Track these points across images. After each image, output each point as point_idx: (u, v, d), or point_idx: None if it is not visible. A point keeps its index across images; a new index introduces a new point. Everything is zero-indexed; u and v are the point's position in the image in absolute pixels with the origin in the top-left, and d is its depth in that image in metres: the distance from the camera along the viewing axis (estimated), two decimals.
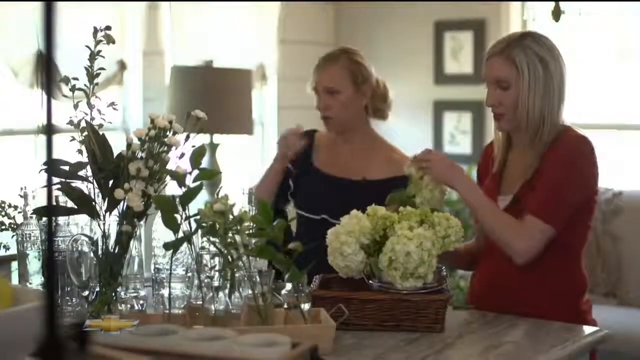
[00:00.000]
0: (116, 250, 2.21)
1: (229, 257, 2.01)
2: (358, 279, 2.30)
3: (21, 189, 2.45)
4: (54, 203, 2.16)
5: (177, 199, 2.07)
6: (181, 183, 2.11)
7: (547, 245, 2.35)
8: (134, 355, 1.57)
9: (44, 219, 2.34)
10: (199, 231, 2.07)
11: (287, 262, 2.02)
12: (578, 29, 4.98)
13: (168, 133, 2.23)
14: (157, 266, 2.30)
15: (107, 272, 2.20)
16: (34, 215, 2.39)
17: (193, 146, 2.23)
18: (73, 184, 2.22)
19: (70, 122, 2.22)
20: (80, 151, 2.24)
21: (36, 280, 2.37)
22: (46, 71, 1.24)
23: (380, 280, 2.25)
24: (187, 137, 2.26)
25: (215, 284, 2.05)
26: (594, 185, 2.44)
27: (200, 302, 2.04)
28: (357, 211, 2.31)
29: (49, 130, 1.08)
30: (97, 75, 2.27)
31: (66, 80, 2.21)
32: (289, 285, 2.06)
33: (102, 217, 2.21)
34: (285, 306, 2.07)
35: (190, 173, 2.14)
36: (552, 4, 3.97)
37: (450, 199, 5.02)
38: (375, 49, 5.62)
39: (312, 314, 2.07)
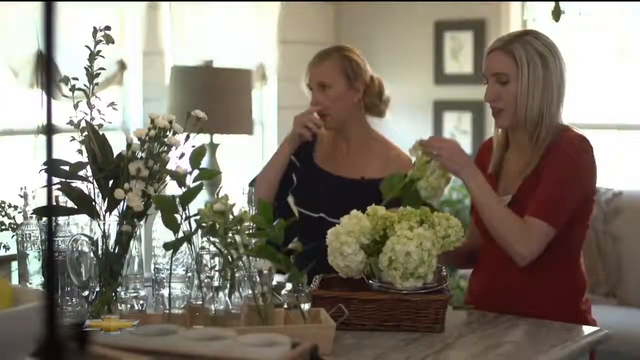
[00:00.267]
0: (116, 250, 2.21)
1: (229, 257, 2.01)
2: (358, 279, 2.30)
3: (21, 189, 2.45)
4: (54, 203, 2.15)
5: (177, 199, 2.07)
6: (181, 183, 2.11)
7: (547, 245, 2.35)
8: (134, 355, 1.57)
9: (44, 219, 2.34)
10: (199, 231, 2.07)
11: (287, 262, 2.02)
12: (578, 29, 4.98)
13: (168, 133, 2.23)
14: (157, 266, 2.30)
15: (107, 272, 2.20)
16: (34, 215, 2.39)
17: (193, 146, 2.23)
18: (73, 184, 2.22)
19: (70, 122, 2.22)
20: (80, 151, 2.24)
21: (36, 280, 2.37)
22: (46, 71, 1.24)
23: (380, 280, 2.25)
24: (187, 137, 2.26)
25: (215, 284, 2.05)
26: (593, 184, 2.44)
27: (200, 302, 2.04)
28: (357, 211, 2.31)
29: (49, 130, 1.08)
30: (97, 75, 2.27)
31: (66, 80, 2.21)
32: (289, 285, 2.06)
33: (102, 217, 2.21)
34: (285, 306, 2.07)
35: (190, 173, 2.14)
36: (552, 4, 3.97)
37: (450, 199, 5.02)
38: (375, 49, 5.62)
39: (312, 314, 2.07)
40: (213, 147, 4.55)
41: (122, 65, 4.52)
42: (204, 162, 2.17)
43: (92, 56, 2.26)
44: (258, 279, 2.03)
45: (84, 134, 2.23)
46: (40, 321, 1.05)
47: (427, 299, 2.20)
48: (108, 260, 2.20)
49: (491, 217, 2.36)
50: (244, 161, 5.25)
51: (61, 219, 2.31)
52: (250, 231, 2.05)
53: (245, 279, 2.08)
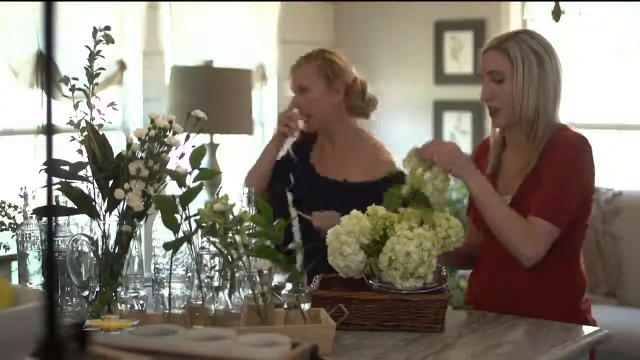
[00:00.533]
0: (116, 250, 2.21)
1: (229, 257, 2.01)
2: (358, 279, 2.30)
3: (21, 189, 2.45)
4: (54, 203, 2.15)
5: (177, 199, 2.07)
6: (181, 183, 2.11)
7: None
8: (134, 355, 1.57)
9: (44, 219, 2.34)
10: (199, 231, 2.07)
11: (287, 262, 2.02)
12: (578, 29, 4.98)
13: (168, 133, 2.23)
14: (157, 266, 2.30)
15: (107, 272, 2.20)
16: (34, 215, 2.39)
17: (193, 146, 2.23)
18: (73, 184, 2.22)
19: (70, 122, 2.22)
20: (80, 151, 2.24)
21: (36, 280, 2.37)
22: (46, 71, 1.24)
23: (380, 280, 2.25)
24: (187, 137, 2.26)
25: (215, 284, 2.05)
26: (592, 184, 2.44)
27: (200, 302, 2.04)
28: (357, 211, 2.31)
29: (49, 130, 1.08)
30: (97, 75, 2.27)
31: (66, 80, 2.21)
32: (289, 285, 2.06)
33: (102, 217, 2.21)
34: (285, 306, 2.07)
35: (190, 173, 2.14)
36: (552, 4, 3.97)
37: (450, 199, 5.02)
38: (375, 49, 5.63)
39: (312, 314, 2.07)
40: (213, 147, 4.55)
41: (122, 65, 4.52)
42: (204, 162, 2.17)
43: (92, 56, 2.26)
44: (258, 279, 2.03)
45: (84, 134, 2.23)
46: (40, 321, 1.05)
47: (427, 299, 2.20)
48: (108, 260, 2.20)
49: (494, 217, 2.35)
50: (244, 161, 5.25)
51: (61, 219, 2.31)
52: (250, 231, 2.05)
53: (245, 279, 2.08)
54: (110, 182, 2.22)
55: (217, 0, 4.88)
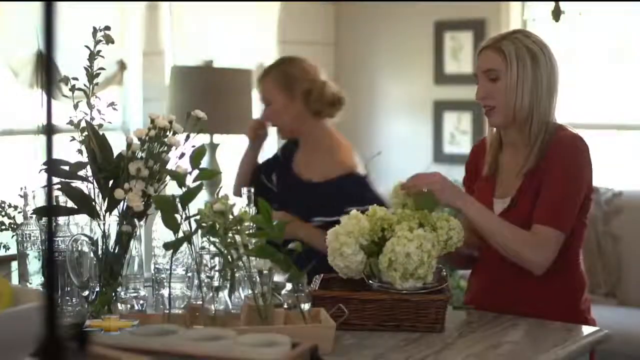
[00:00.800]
0: (116, 250, 2.21)
1: (229, 257, 2.01)
2: (358, 279, 2.30)
3: (21, 189, 2.45)
4: (54, 203, 2.15)
5: (177, 199, 2.07)
6: (181, 183, 2.11)
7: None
8: (134, 355, 1.57)
9: (44, 219, 2.34)
10: (199, 231, 2.07)
11: (286, 262, 2.02)
12: (578, 29, 4.98)
13: (168, 133, 2.23)
14: (157, 266, 2.30)
15: (107, 272, 2.20)
16: (34, 215, 2.39)
17: (193, 146, 2.23)
18: (73, 184, 2.22)
19: (70, 122, 2.22)
20: (80, 151, 2.24)
21: (36, 280, 2.37)
22: (46, 71, 1.24)
23: (380, 281, 2.25)
24: (187, 137, 2.26)
25: (215, 284, 2.05)
26: (591, 183, 2.44)
27: (200, 302, 2.04)
28: (357, 211, 2.31)
29: (49, 130, 1.08)
30: (97, 75, 2.27)
31: (66, 80, 2.21)
32: (289, 285, 2.06)
33: (102, 217, 2.21)
34: (285, 306, 2.07)
35: (190, 173, 2.14)
36: (552, 4, 3.97)
37: None
38: (375, 49, 5.63)
39: (312, 314, 2.07)
40: (213, 147, 4.55)
41: (122, 65, 4.52)
42: (204, 162, 2.17)
43: (92, 56, 2.26)
44: (258, 279, 2.03)
45: (84, 134, 2.23)
46: (40, 321, 1.05)
47: (427, 299, 2.20)
48: (108, 260, 2.20)
49: (497, 237, 2.35)
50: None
51: (61, 219, 2.31)
52: (250, 231, 2.05)
53: (245, 279, 2.08)
54: (110, 182, 2.22)
55: (217, 0, 4.88)
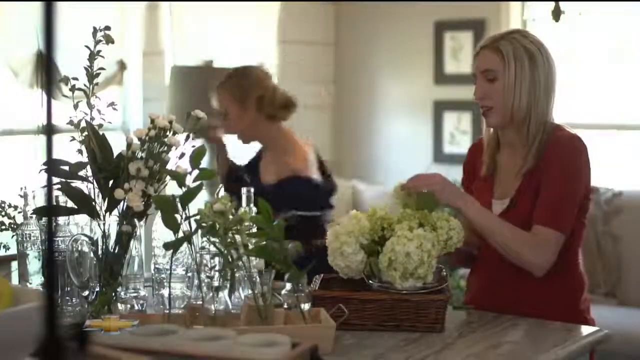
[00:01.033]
0: (116, 250, 2.21)
1: (229, 257, 2.01)
2: (358, 279, 2.30)
3: (21, 189, 2.45)
4: (54, 203, 2.15)
5: (177, 199, 2.07)
6: (181, 183, 2.11)
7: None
8: (134, 355, 1.57)
9: (44, 219, 2.34)
10: (199, 231, 2.07)
11: (287, 263, 2.02)
12: (578, 29, 4.98)
13: (168, 133, 2.23)
14: (157, 266, 2.30)
15: (107, 272, 2.20)
16: (34, 215, 2.39)
17: (193, 146, 2.23)
18: (73, 184, 2.22)
19: (70, 122, 2.22)
20: (80, 151, 2.24)
21: (36, 280, 2.37)
22: (46, 71, 1.24)
23: (380, 280, 2.25)
24: (187, 137, 2.26)
25: (215, 284, 2.05)
26: (589, 183, 2.44)
27: (200, 302, 2.04)
28: (357, 211, 2.31)
29: (49, 130, 1.08)
30: (97, 75, 2.27)
31: (66, 80, 2.21)
32: (289, 285, 2.06)
33: (102, 217, 2.21)
34: (285, 306, 2.07)
35: (190, 173, 2.14)
36: (552, 4, 3.97)
37: None
38: (375, 49, 5.63)
39: (312, 314, 2.07)
40: (213, 147, 4.55)
41: (122, 65, 4.52)
42: (204, 162, 2.17)
43: (92, 56, 2.26)
44: (258, 279, 2.03)
45: (84, 134, 2.23)
46: (40, 321, 1.05)
47: (427, 299, 2.20)
48: (108, 260, 2.20)
49: (497, 237, 2.36)
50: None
51: (61, 219, 2.31)
52: (250, 231, 2.05)
53: (245, 279, 2.08)
54: (110, 182, 2.22)
55: (217, 0, 4.88)
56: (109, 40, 2.24)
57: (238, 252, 2.01)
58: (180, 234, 2.06)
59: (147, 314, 2.14)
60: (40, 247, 2.37)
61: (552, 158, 2.38)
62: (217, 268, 2.06)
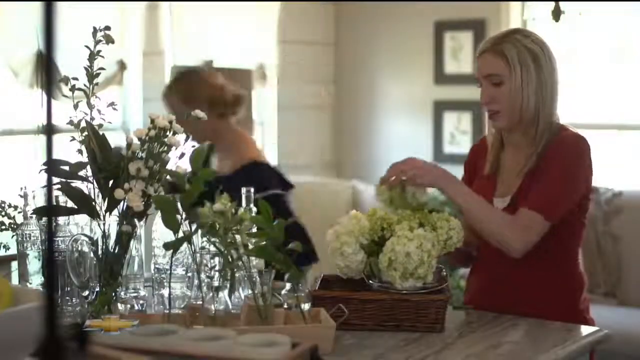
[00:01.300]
0: (116, 250, 2.21)
1: (229, 257, 2.01)
2: (358, 279, 2.30)
3: (21, 189, 2.45)
4: (54, 203, 2.15)
5: (177, 199, 2.07)
6: (181, 183, 2.11)
7: (545, 244, 2.35)
8: (134, 355, 1.57)
9: (44, 219, 2.34)
10: (199, 231, 2.07)
11: (287, 263, 2.02)
12: (578, 29, 4.98)
13: (168, 133, 2.23)
14: (157, 266, 2.30)
15: (107, 272, 2.20)
16: (34, 215, 2.38)
17: (193, 146, 2.23)
18: (73, 184, 2.21)
19: (70, 122, 2.22)
20: (80, 151, 2.24)
21: (36, 280, 2.37)
22: (46, 71, 1.24)
23: (380, 280, 2.25)
24: (187, 137, 2.26)
25: (215, 284, 2.05)
26: (589, 183, 2.44)
27: (200, 302, 2.04)
28: (356, 211, 2.31)
29: (49, 130, 1.08)
30: (97, 75, 2.27)
31: (66, 80, 2.21)
32: (289, 285, 2.06)
33: (102, 217, 2.21)
34: (285, 306, 2.07)
35: (190, 173, 2.14)
36: (552, 4, 3.97)
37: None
38: (375, 49, 5.63)
39: (312, 314, 2.07)
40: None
41: (122, 65, 4.52)
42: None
43: (92, 56, 2.26)
44: (258, 279, 2.03)
45: (84, 134, 2.23)
46: (40, 321, 1.05)
47: (427, 299, 2.20)
48: (108, 260, 2.20)
49: (477, 216, 2.35)
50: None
51: (61, 219, 2.31)
52: (250, 231, 2.05)
53: (245, 279, 2.08)
54: (110, 182, 2.22)
55: (217, 0, 4.88)
56: (109, 40, 2.24)
57: (238, 252, 2.01)
58: (180, 234, 2.06)
59: (147, 314, 2.14)
60: (40, 247, 2.37)
61: (555, 156, 2.37)
62: (217, 268, 2.06)
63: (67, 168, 2.20)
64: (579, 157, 2.39)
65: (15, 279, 2.44)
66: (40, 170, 2.21)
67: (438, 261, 2.27)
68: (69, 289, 2.24)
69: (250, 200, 2.40)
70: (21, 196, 2.45)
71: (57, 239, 2.25)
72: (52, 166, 2.02)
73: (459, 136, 5.34)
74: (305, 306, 2.05)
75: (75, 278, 2.19)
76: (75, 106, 2.23)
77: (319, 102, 5.62)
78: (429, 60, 5.42)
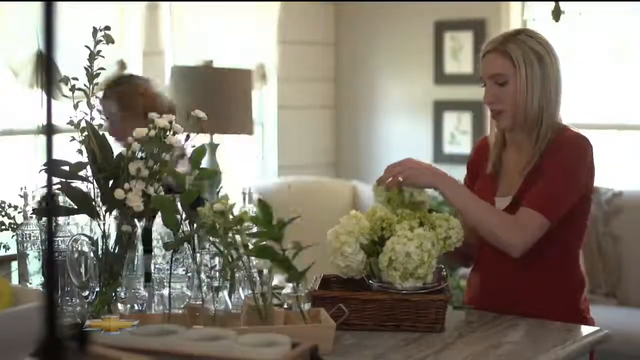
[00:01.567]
0: (116, 250, 2.21)
1: (229, 257, 2.01)
2: (358, 279, 2.30)
3: (21, 189, 2.45)
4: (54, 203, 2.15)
5: (177, 199, 2.07)
6: (181, 183, 2.11)
7: (545, 244, 2.35)
8: (134, 355, 1.57)
9: (44, 219, 2.34)
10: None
11: (287, 262, 2.02)
12: (578, 29, 4.98)
13: (168, 133, 2.23)
14: (157, 266, 2.30)
15: (107, 272, 2.20)
16: (34, 215, 2.38)
17: (193, 146, 2.23)
18: (73, 184, 2.21)
19: (70, 122, 2.22)
20: (80, 151, 2.24)
21: (36, 280, 2.37)
22: (46, 71, 1.24)
23: (380, 280, 2.25)
24: (187, 137, 2.26)
25: (215, 284, 2.05)
26: (591, 184, 2.44)
27: (200, 302, 2.04)
28: (357, 211, 2.31)
29: (49, 130, 1.08)
30: (97, 75, 2.27)
31: (66, 80, 2.21)
32: (289, 285, 2.06)
33: (102, 217, 2.21)
34: (285, 306, 2.07)
35: (190, 173, 2.14)
36: (552, 4, 3.97)
37: None
38: (375, 49, 5.63)
39: (312, 314, 2.07)
40: (213, 147, 4.55)
41: (122, 65, 4.51)
42: (204, 162, 2.17)
43: (92, 56, 2.26)
44: (258, 279, 2.03)
45: (84, 134, 2.23)
46: (40, 321, 1.05)
47: (427, 299, 2.20)
48: (108, 260, 2.20)
49: (475, 216, 2.35)
50: (244, 161, 5.25)
51: (61, 219, 2.31)
52: (250, 231, 2.05)
53: (245, 279, 2.08)
54: (111, 182, 2.22)
55: (217, 0, 4.88)
56: (109, 40, 2.24)
57: (238, 252, 2.01)
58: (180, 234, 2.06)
59: (147, 314, 2.14)
60: (40, 247, 2.37)
61: (556, 156, 2.37)
62: (217, 268, 2.06)
63: (67, 168, 2.20)
64: (580, 157, 2.39)
65: (15, 279, 2.44)
66: (40, 170, 2.21)
67: (438, 261, 2.27)
68: (69, 289, 2.23)
69: (250, 199, 2.40)
70: (21, 196, 2.45)
71: (57, 239, 2.25)
72: (52, 166, 2.02)
73: (459, 136, 5.33)
74: (305, 306, 2.05)
75: (75, 278, 2.18)
76: (75, 106, 2.23)
77: (319, 102, 5.61)
78: (429, 60, 5.42)
